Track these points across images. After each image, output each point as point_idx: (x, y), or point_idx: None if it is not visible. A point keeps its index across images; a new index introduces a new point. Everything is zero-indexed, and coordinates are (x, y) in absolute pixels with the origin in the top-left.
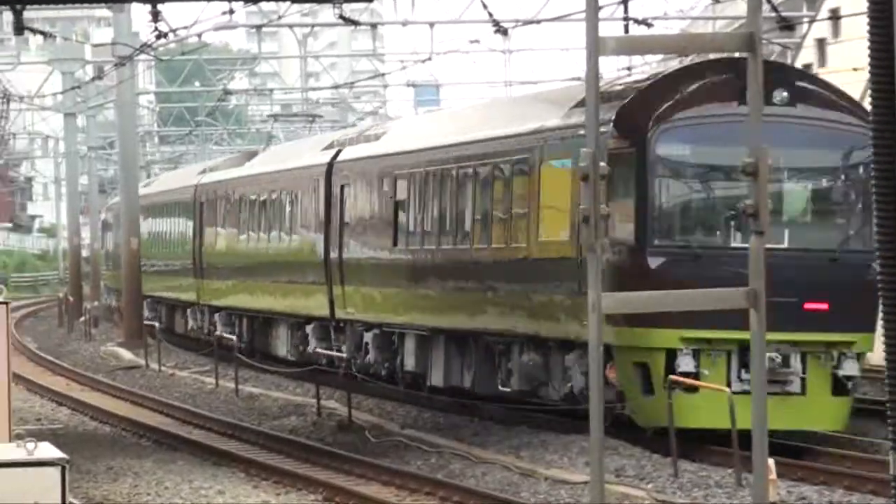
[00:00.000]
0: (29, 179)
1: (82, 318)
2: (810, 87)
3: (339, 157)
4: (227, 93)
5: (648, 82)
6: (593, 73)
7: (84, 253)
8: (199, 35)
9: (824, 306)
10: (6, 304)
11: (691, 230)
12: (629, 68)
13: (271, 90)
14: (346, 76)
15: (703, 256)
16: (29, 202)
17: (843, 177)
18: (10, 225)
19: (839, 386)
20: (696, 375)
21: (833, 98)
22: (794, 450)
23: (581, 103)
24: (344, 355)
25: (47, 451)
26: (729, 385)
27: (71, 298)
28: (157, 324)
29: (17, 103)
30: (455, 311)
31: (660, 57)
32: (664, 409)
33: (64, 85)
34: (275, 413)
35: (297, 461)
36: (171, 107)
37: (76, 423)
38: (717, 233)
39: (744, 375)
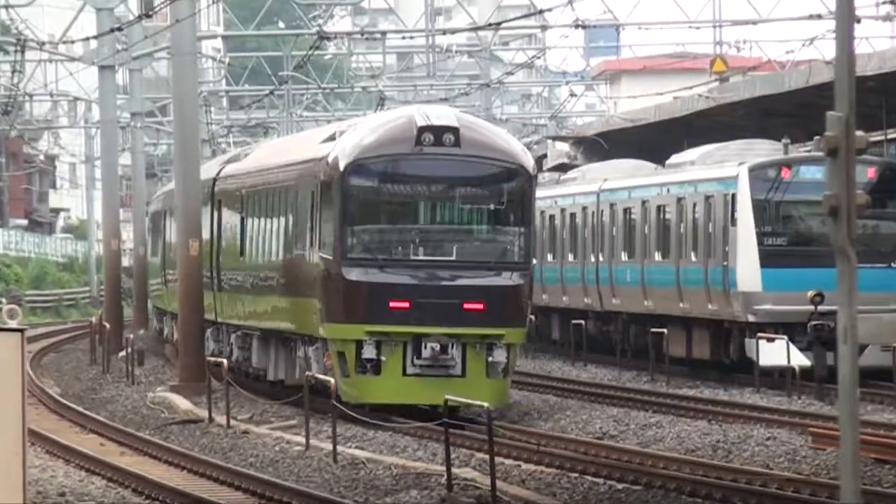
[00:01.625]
0: (51, 159)
1: (122, 353)
2: (474, 132)
3: (220, 173)
4: (323, 37)
5: (349, 128)
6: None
7: (125, 261)
8: None
9: (481, 306)
10: (21, 331)
11: (378, 245)
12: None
13: (383, 34)
14: (489, 14)
15: (386, 267)
16: (51, 191)
17: (498, 204)
18: (25, 222)
19: (492, 369)
20: (378, 361)
21: (492, 141)
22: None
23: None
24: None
25: None
26: (404, 369)
27: (107, 325)
28: (225, 360)
29: (35, 52)
30: (268, 315)
31: None
32: (357, 387)
33: (99, 27)
34: (388, 486)
35: None
36: (245, 57)
37: (114, 500)
38: (399, 247)
39: (415, 361)
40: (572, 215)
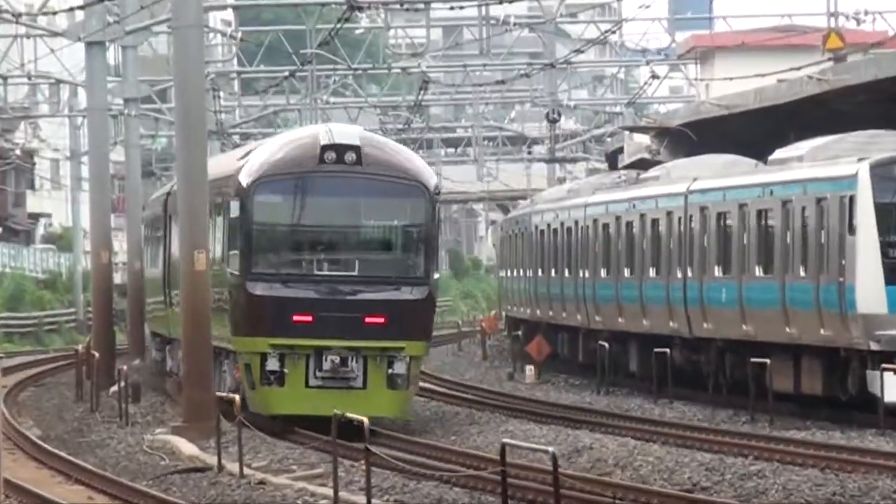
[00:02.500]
0: (29, 154)
1: (114, 388)
2: (377, 151)
3: (174, 188)
4: (354, 7)
5: (256, 149)
6: None
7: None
8: None
9: (381, 320)
10: None
11: (282, 261)
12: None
13: (427, 3)
14: None
15: (289, 281)
16: (29, 192)
17: (399, 221)
18: None
19: (393, 381)
20: (281, 373)
21: (394, 160)
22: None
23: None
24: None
25: None
26: (307, 381)
27: (96, 354)
28: (238, 396)
29: (9, 25)
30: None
31: None
32: (262, 399)
33: None
34: None
35: None
36: (260, 32)
37: None
38: (303, 263)
39: (316, 374)
40: (654, 221)
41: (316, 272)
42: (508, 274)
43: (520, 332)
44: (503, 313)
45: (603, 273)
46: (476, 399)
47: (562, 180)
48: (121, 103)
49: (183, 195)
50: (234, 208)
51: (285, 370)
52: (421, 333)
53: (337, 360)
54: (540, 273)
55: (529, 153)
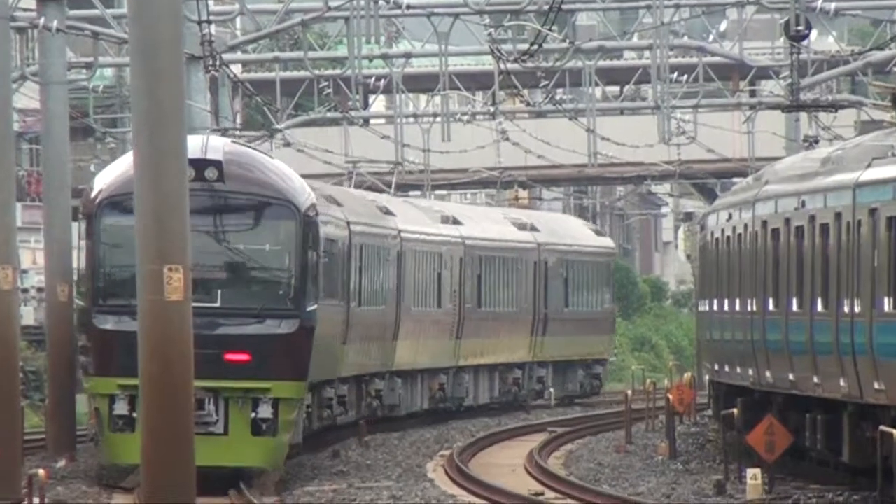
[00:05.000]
0: None
1: None
2: (242, 167)
3: None
4: None
5: (105, 170)
6: None
7: (28, 315)
8: None
9: (245, 357)
10: None
11: (133, 290)
12: None
13: None
14: None
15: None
16: None
17: (266, 245)
18: None
19: (258, 427)
20: (131, 418)
21: (262, 178)
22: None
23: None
24: None
25: None
26: None
27: None
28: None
29: None
30: None
31: None
32: (111, 446)
33: None
34: None
35: None
36: None
37: None
38: None
39: None
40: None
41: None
42: (714, 308)
43: (734, 411)
44: (704, 377)
45: (889, 305)
46: None
47: (811, 142)
48: (33, 9)
49: (144, 165)
50: (82, 230)
51: (135, 415)
52: (291, 372)
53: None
54: (771, 307)
55: (753, 95)
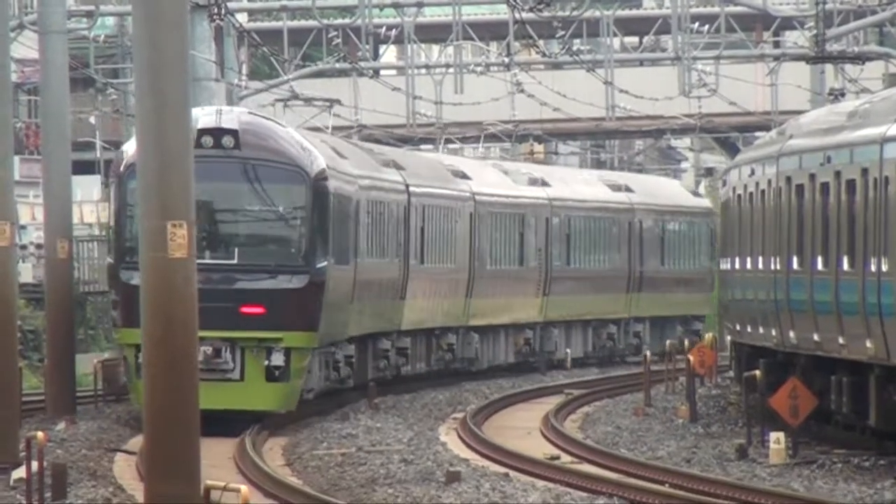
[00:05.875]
0: None
1: (18, 474)
2: (257, 135)
3: None
4: None
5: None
6: None
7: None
8: None
9: (260, 310)
10: None
11: None
12: None
13: None
14: None
15: None
16: None
17: (279, 206)
18: None
19: (271, 373)
20: None
21: (275, 145)
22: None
23: None
24: None
25: None
26: None
27: None
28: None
29: None
30: None
31: None
32: (138, 392)
33: None
34: None
35: None
36: None
37: None
38: None
39: None
40: None
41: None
42: (736, 266)
43: (757, 373)
44: (727, 337)
45: None
46: (680, 498)
47: (837, 95)
48: None
49: (146, 122)
50: (111, 194)
51: None
52: (302, 323)
53: (210, 350)
54: (795, 265)
55: (777, 46)
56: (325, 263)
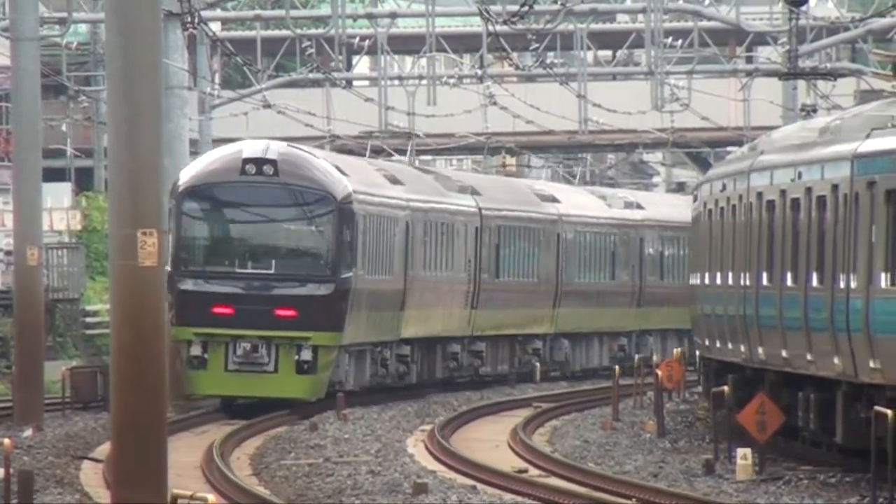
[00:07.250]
0: None
1: None
2: (292, 164)
3: None
4: None
5: (191, 164)
6: None
7: None
8: None
9: (292, 313)
10: None
11: (206, 259)
12: None
13: None
14: None
15: (214, 277)
16: None
17: (310, 224)
18: None
19: (301, 367)
20: (203, 358)
21: (307, 173)
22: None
23: None
24: None
25: None
26: (225, 366)
27: None
28: None
29: None
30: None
31: None
32: (189, 380)
33: None
34: None
35: None
36: None
37: None
38: (225, 261)
39: (234, 359)
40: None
41: (236, 270)
42: (706, 281)
43: (725, 388)
44: (696, 352)
45: (886, 282)
46: None
47: (809, 111)
48: None
49: (119, 121)
50: (172, 213)
51: (206, 355)
52: (328, 325)
53: (248, 346)
54: (765, 281)
55: (749, 62)
56: (349, 274)
